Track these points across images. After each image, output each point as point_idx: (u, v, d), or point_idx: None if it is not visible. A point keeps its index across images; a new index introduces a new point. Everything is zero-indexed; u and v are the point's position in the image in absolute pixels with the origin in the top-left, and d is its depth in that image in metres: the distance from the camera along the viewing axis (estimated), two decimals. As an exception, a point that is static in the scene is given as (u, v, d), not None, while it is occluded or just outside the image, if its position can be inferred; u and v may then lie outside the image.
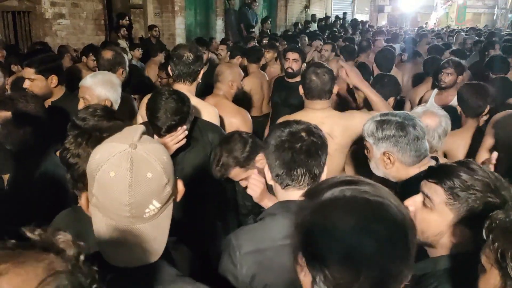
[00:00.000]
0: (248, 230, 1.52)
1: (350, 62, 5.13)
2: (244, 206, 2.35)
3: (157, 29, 8.18)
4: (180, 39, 9.25)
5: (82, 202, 1.11)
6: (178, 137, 2.13)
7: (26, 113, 2.27)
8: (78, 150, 1.41)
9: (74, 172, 1.41)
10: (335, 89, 2.63)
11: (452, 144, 2.85)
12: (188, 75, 2.62)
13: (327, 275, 0.80)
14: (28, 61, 2.87)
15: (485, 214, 1.07)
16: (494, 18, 26.42)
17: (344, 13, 16.73)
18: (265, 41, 7.34)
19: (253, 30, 10.17)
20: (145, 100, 2.43)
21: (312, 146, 1.45)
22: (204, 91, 3.39)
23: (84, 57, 5.19)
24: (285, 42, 7.53)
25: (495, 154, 1.91)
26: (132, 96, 3.41)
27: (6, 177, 2.35)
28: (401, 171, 1.84)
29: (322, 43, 7.10)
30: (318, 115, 2.48)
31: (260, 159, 2.12)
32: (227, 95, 3.16)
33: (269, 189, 1.77)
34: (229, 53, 5.77)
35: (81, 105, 2.48)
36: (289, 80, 4.31)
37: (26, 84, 2.81)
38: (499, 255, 0.96)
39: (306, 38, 8.50)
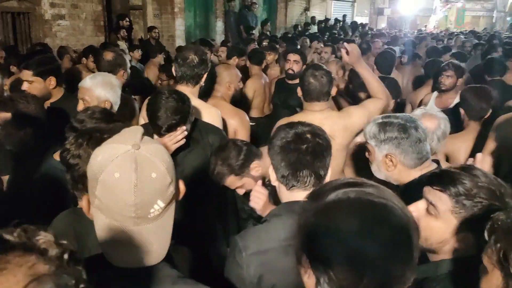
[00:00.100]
0: (254, 231, 1.52)
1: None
2: (244, 210, 2.35)
3: (157, 31, 8.18)
4: (179, 41, 9.26)
5: (83, 205, 1.10)
6: (177, 137, 2.13)
7: (26, 114, 2.27)
8: (79, 151, 1.41)
9: (74, 172, 1.41)
10: (333, 91, 2.63)
11: (454, 146, 2.85)
12: (191, 78, 2.62)
13: (331, 276, 0.80)
14: (25, 63, 2.87)
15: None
16: (493, 21, 26.49)
17: (344, 16, 16.78)
18: (265, 43, 7.34)
19: (253, 32, 10.17)
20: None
21: (317, 147, 1.47)
22: (204, 92, 3.38)
23: (84, 58, 5.19)
24: (285, 44, 7.54)
25: (479, 157, 1.87)
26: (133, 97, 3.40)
27: (5, 178, 2.34)
28: (403, 173, 1.84)
29: (322, 45, 7.10)
30: (317, 116, 2.48)
31: (255, 167, 2.15)
32: (224, 97, 3.17)
33: (272, 192, 1.77)
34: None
35: (80, 106, 2.47)
36: (290, 81, 4.33)
37: (25, 86, 2.81)
38: (501, 255, 0.96)
39: (308, 40, 8.51)
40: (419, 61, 6.15)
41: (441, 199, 1.30)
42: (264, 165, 2.21)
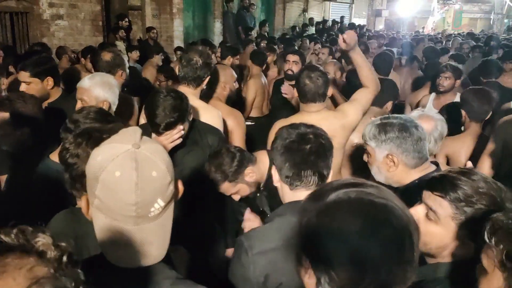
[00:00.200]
0: (258, 231, 1.54)
1: (351, 65, 5.14)
2: (241, 213, 2.36)
3: (155, 31, 8.18)
4: (178, 41, 9.25)
5: (82, 205, 1.10)
6: (173, 136, 2.13)
7: (24, 114, 2.26)
8: (78, 150, 1.41)
9: (72, 172, 1.40)
10: (330, 92, 2.63)
11: (455, 148, 2.86)
12: (193, 80, 2.63)
13: (332, 276, 0.80)
14: (22, 65, 2.86)
15: None
16: (491, 23, 26.59)
17: (342, 17, 16.80)
18: (263, 44, 7.35)
19: (251, 33, 10.18)
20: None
21: (320, 147, 1.50)
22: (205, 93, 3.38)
23: (83, 58, 5.18)
24: (282, 45, 7.55)
25: (469, 164, 1.90)
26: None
27: (3, 178, 2.33)
28: (403, 174, 1.83)
29: (320, 46, 7.12)
30: (313, 117, 2.47)
31: (250, 173, 2.16)
32: (220, 97, 3.16)
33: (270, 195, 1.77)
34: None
35: (78, 106, 2.47)
36: (288, 82, 4.32)
37: (23, 87, 2.80)
38: (504, 256, 0.96)
39: (308, 41, 8.52)
40: (417, 63, 6.16)
41: (442, 205, 1.29)
42: (258, 170, 2.22)
